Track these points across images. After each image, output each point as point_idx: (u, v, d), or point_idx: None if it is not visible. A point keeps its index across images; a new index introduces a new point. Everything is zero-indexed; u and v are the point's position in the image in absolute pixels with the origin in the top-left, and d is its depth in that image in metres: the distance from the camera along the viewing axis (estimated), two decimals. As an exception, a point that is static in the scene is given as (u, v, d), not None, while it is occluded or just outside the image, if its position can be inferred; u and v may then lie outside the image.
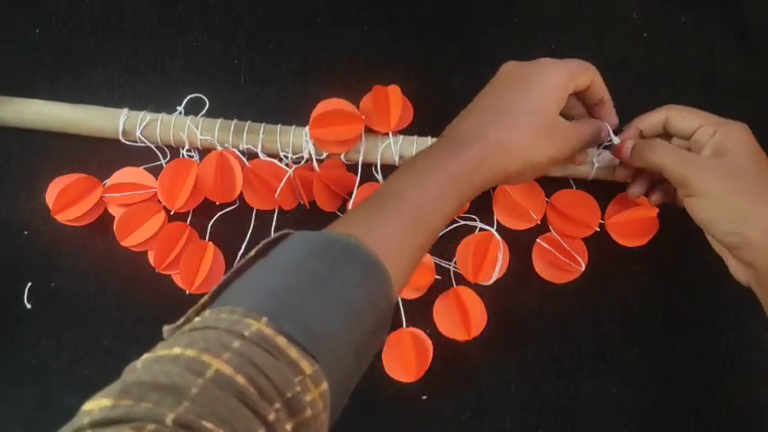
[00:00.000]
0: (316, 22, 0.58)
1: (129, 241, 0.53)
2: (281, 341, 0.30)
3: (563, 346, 0.54)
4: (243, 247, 0.55)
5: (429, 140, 0.54)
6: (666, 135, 0.48)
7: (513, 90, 0.44)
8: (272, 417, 0.28)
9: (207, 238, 0.55)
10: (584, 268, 0.53)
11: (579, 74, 0.46)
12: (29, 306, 0.56)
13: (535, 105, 0.43)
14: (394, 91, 0.53)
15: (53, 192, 0.54)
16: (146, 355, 0.30)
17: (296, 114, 0.55)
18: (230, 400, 0.27)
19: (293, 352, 0.30)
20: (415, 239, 0.38)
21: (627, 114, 0.51)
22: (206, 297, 0.34)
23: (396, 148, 0.53)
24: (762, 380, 0.54)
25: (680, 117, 0.47)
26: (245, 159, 0.54)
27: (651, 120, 0.48)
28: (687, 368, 0.54)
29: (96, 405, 0.26)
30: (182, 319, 0.33)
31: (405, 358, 0.52)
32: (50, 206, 0.54)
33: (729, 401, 0.54)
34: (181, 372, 0.27)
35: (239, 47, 0.58)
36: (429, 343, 0.52)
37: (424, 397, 0.54)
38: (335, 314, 0.32)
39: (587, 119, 0.50)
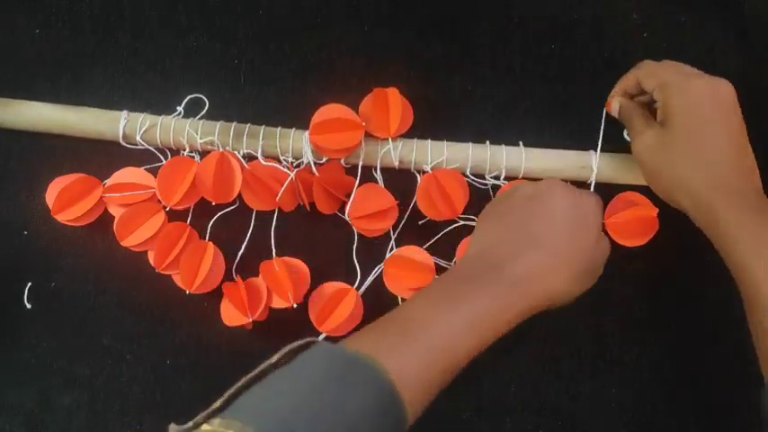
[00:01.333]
0: (316, 22, 0.58)
1: (129, 241, 0.53)
2: None
3: (563, 346, 0.54)
4: (243, 247, 0.55)
5: (429, 144, 0.54)
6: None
7: (563, 225, 0.43)
8: None
9: (207, 238, 0.55)
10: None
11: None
12: (29, 306, 0.56)
13: (583, 250, 0.43)
14: (393, 94, 0.53)
15: (53, 192, 0.54)
16: None
17: (296, 114, 0.55)
18: None
19: None
20: (439, 369, 0.37)
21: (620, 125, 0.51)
22: (219, 401, 0.34)
23: (395, 153, 0.53)
24: (762, 380, 0.54)
25: (645, 78, 0.48)
26: (244, 162, 0.54)
27: (628, 80, 0.50)
28: (687, 368, 0.54)
29: None
30: (190, 424, 0.33)
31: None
32: (50, 206, 0.54)
33: (729, 401, 0.54)
34: None
35: (239, 47, 0.58)
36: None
37: (424, 397, 0.54)
38: None
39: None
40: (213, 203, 0.53)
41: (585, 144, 0.54)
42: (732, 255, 0.42)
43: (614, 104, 0.51)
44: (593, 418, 0.54)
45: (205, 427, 0.31)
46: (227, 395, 0.34)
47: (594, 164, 0.53)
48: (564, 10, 0.57)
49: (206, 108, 0.56)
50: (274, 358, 0.35)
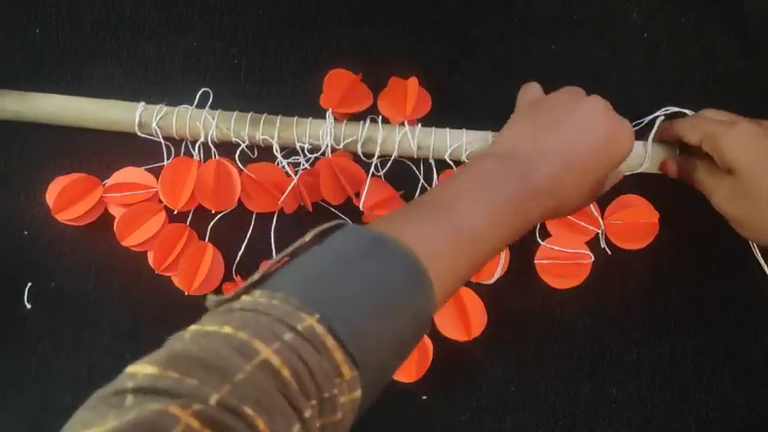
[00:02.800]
0: (316, 22, 0.58)
1: (130, 241, 0.53)
2: (330, 342, 0.30)
3: (563, 346, 0.54)
4: (242, 248, 0.55)
5: (447, 132, 0.53)
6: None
7: (593, 147, 0.43)
8: (308, 413, 0.28)
9: (206, 239, 0.55)
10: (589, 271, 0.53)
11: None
12: (29, 306, 0.56)
13: (599, 165, 0.44)
14: (412, 83, 0.53)
15: (53, 191, 0.54)
16: (194, 327, 0.29)
17: (296, 114, 0.55)
18: (272, 391, 0.27)
19: (338, 354, 0.30)
20: (464, 259, 0.38)
21: (627, 115, 0.51)
22: (257, 274, 0.34)
23: (413, 138, 0.53)
24: (762, 380, 0.54)
25: (687, 132, 0.49)
26: (241, 165, 0.54)
27: (670, 135, 0.51)
28: (687, 368, 0.54)
29: (141, 370, 0.26)
30: (230, 294, 0.33)
31: (405, 358, 0.52)
32: (50, 206, 0.54)
33: (729, 401, 0.54)
34: (230, 353, 0.27)
35: (239, 47, 0.58)
36: (429, 343, 0.52)
37: (424, 397, 0.54)
38: (384, 324, 0.32)
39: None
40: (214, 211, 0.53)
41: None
42: None
43: (671, 166, 0.52)
44: (593, 418, 0.54)
45: (246, 298, 0.31)
46: (262, 271, 0.34)
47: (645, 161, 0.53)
48: (564, 10, 0.57)
49: (208, 104, 0.56)
50: (306, 237, 0.35)
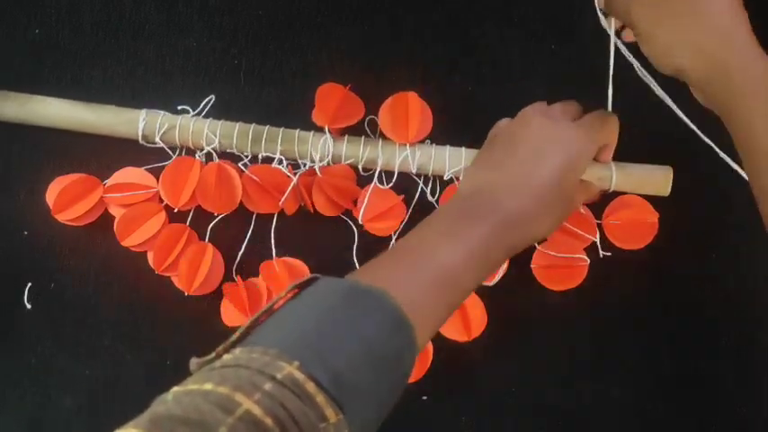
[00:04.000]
0: (316, 22, 0.58)
1: (130, 241, 0.53)
2: (311, 387, 0.30)
3: (563, 346, 0.54)
4: (242, 248, 0.55)
5: (447, 150, 0.53)
6: None
7: (542, 157, 0.44)
8: None
9: (206, 239, 0.55)
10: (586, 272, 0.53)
11: (603, 141, 0.48)
12: (29, 306, 0.56)
13: (561, 182, 0.44)
14: (413, 98, 0.53)
15: (53, 192, 0.54)
16: (176, 388, 0.30)
17: (296, 115, 0.55)
18: None
19: (321, 399, 0.30)
20: (443, 298, 0.39)
21: (626, 115, 0.51)
22: (236, 334, 0.34)
23: (414, 160, 0.53)
24: (762, 380, 0.54)
25: None
26: (242, 167, 0.54)
27: None
28: (687, 368, 0.54)
29: None
30: (212, 354, 0.33)
31: (405, 358, 0.52)
32: (50, 206, 0.54)
33: (729, 401, 0.54)
34: (211, 409, 0.27)
35: (239, 47, 0.58)
36: (429, 343, 0.52)
37: (424, 397, 0.54)
38: (364, 366, 0.33)
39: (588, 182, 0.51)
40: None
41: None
42: (740, 109, 0.40)
43: None
44: (593, 419, 0.54)
45: (227, 356, 0.32)
46: (242, 329, 0.34)
47: (613, 177, 0.52)
48: (564, 10, 0.57)
49: (210, 105, 0.56)
50: (283, 293, 0.36)
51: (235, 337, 0.34)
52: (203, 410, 0.27)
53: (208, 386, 0.29)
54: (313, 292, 0.36)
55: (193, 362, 0.34)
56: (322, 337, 0.32)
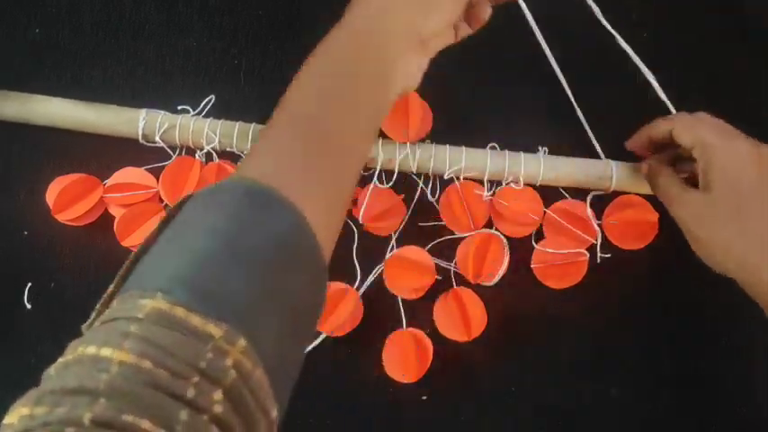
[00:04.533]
0: (316, 21, 0.58)
1: (130, 241, 0.53)
2: (180, 312, 0.28)
3: (563, 346, 0.54)
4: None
5: (447, 149, 0.53)
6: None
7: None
8: (190, 393, 0.26)
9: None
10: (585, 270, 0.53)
11: None
12: (29, 306, 0.56)
13: None
14: (413, 97, 0.53)
15: (53, 191, 0.54)
16: (58, 360, 0.29)
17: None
18: (142, 389, 0.26)
19: (195, 320, 0.28)
20: (312, 150, 0.36)
21: (627, 115, 0.51)
22: (111, 286, 0.33)
23: (414, 158, 0.53)
24: (762, 380, 0.54)
25: (682, 132, 0.45)
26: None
27: (659, 130, 0.47)
28: (687, 368, 0.54)
29: (16, 416, 0.26)
30: (93, 315, 0.32)
31: (405, 359, 0.52)
32: (50, 206, 0.54)
33: (729, 401, 0.54)
34: (88, 372, 0.27)
35: (239, 47, 0.58)
36: (429, 343, 0.52)
37: (424, 397, 0.54)
38: (234, 267, 0.30)
39: None
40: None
41: (585, 144, 0.54)
42: None
43: (644, 166, 0.49)
44: (594, 419, 0.54)
45: (107, 311, 0.30)
46: (117, 277, 0.32)
47: (613, 176, 0.52)
48: (564, 10, 0.57)
49: (210, 105, 0.56)
50: (156, 227, 0.33)
51: (110, 288, 0.33)
52: (81, 376, 0.26)
53: (80, 350, 0.28)
54: (183, 213, 0.33)
55: (83, 328, 0.33)
56: (184, 258, 0.30)
